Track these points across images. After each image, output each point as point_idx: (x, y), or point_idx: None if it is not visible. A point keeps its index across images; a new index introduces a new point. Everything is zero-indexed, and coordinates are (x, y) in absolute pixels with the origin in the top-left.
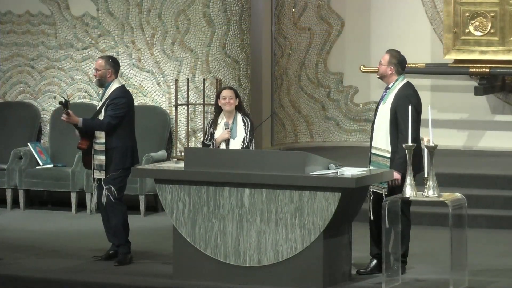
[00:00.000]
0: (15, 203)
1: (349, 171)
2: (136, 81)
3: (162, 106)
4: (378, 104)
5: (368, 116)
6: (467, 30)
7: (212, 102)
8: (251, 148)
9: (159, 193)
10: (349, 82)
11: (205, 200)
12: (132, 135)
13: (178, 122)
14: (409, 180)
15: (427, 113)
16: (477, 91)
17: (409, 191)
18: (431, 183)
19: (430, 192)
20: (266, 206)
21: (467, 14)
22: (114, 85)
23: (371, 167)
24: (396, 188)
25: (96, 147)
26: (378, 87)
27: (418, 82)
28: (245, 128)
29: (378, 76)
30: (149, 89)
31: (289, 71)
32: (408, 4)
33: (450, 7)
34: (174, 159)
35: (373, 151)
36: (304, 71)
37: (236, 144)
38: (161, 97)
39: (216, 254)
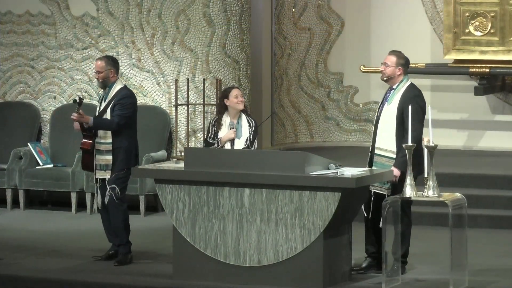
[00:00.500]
0: (15, 203)
1: (349, 171)
2: (136, 81)
3: (162, 106)
4: (381, 104)
5: (368, 116)
6: (467, 30)
7: (212, 102)
8: (253, 148)
9: (159, 193)
10: (349, 82)
11: (205, 200)
12: (135, 135)
13: (178, 122)
14: (409, 180)
15: (427, 113)
16: (477, 91)
17: (409, 191)
18: (431, 183)
19: (430, 192)
20: (266, 206)
21: (467, 14)
22: (118, 85)
23: (374, 168)
24: (398, 188)
25: (102, 147)
26: (378, 87)
27: (418, 82)
28: (249, 128)
29: (385, 78)
30: (149, 89)
31: (289, 71)
32: (408, 4)
33: (450, 7)
34: (174, 159)
35: (376, 151)
36: (304, 71)
37: (240, 143)
38: (161, 97)
39: (216, 254)
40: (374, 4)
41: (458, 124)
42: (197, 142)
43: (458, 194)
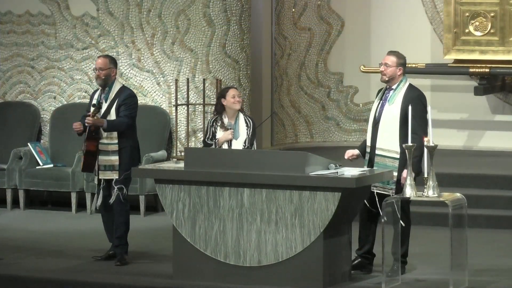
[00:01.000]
0: (15, 203)
1: (349, 171)
2: (136, 81)
3: (162, 106)
4: (380, 104)
5: (368, 116)
6: (467, 30)
7: (212, 102)
8: (253, 148)
9: (159, 193)
10: (349, 82)
11: (205, 200)
12: (136, 134)
13: (178, 122)
14: (409, 180)
15: (427, 113)
16: (477, 91)
17: (409, 191)
18: (431, 183)
19: (430, 192)
20: (266, 206)
21: (467, 14)
22: (117, 85)
23: (375, 168)
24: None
25: (108, 147)
26: (378, 87)
27: (418, 82)
28: (247, 129)
29: (386, 78)
30: (149, 89)
31: (289, 71)
32: (408, 4)
33: (450, 7)
34: (174, 159)
35: (378, 152)
36: (304, 71)
37: (238, 144)
38: (161, 97)
39: (216, 254)
40: (374, 4)
41: (458, 124)
42: (197, 142)
43: (458, 194)
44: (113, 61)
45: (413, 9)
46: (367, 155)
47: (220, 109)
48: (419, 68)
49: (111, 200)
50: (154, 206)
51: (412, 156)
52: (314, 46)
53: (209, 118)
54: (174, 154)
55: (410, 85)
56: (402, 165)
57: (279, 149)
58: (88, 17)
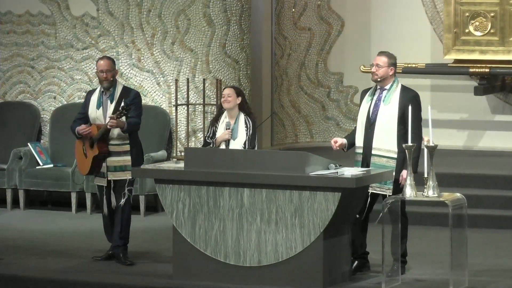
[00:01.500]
0: (15, 203)
1: (349, 171)
2: (136, 81)
3: (162, 106)
4: (374, 105)
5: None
6: (467, 30)
7: (212, 102)
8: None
9: (159, 193)
10: (349, 82)
11: (205, 200)
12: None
13: (178, 122)
14: (409, 180)
15: (427, 113)
16: (477, 91)
17: (409, 191)
18: (431, 183)
19: (430, 192)
20: (266, 206)
21: (467, 14)
22: (119, 85)
23: (373, 168)
24: (402, 189)
25: (118, 148)
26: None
27: (418, 82)
28: (246, 130)
29: (378, 79)
30: (149, 89)
31: (289, 71)
32: (408, 4)
33: (450, 7)
34: (174, 159)
35: (374, 152)
36: (304, 71)
37: (236, 145)
38: (161, 97)
39: (216, 254)
40: (374, 4)
41: (458, 124)
42: (197, 142)
43: (458, 194)
44: (114, 62)
45: (413, 9)
46: (360, 155)
47: (220, 108)
48: (419, 68)
49: (123, 201)
50: (154, 206)
51: (414, 155)
52: (314, 46)
53: (209, 118)
54: (174, 154)
55: (403, 85)
56: (400, 165)
57: (279, 149)
58: (88, 17)
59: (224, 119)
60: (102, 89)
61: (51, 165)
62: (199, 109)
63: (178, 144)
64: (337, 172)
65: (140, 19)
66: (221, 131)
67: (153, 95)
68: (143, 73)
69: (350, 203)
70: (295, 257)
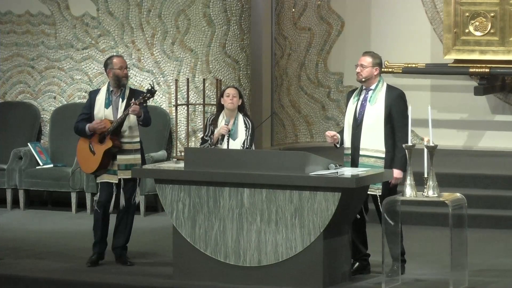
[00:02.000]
0: (15, 203)
1: (349, 171)
2: (136, 81)
3: (162, 106)
4: (361, 105)
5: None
6: (467, 30)
7: (212, 102)
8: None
9: (159, 193)
10: (349, 82)
11: (205, 200)
12: None
13: (178, 122)
14: (409, 180)
15: (427, 113)
16: (477, 91)
17: (409, 191)
18: (431, 183)
19: (430, 192)
20: (266, 206)
21: (467, 14)
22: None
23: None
24: (392, 188)
25: (129, 146)
26: None
27: (418, 82)
28: (246, 130)
29: (362, 79)
30: None
31: (289, 71)
32: (408, 4)
33: (450, 7)
34: (174, 159)
35: (362, 152)
36: (304, 71)
37: (236, 145)
38: (161, 97)
39: (216, 254)
40: (374, 4)
41: (458, 124)
42: (197, 142)
43: (458, 194)
44: None
45: (413, 9)
46: (348, 156)
47: (219, 108)
48: (419, 68)
49: (137, 200)
50: (154, 206)
51: (400, 155)
52: (314, 46)
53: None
54: (174, 154)
55: (389, 85)
56: (389, 165)
57: (279, 149)
58: (88, 17)
59: (223, 119)
60: (110, 89)
61: (51, 165)
62: (199, 109)
63: (178, 144)
64: (337, 172)
65: (140, 19)
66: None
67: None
68: (143, 73)
69: (350, 203)
70: (295, 257)
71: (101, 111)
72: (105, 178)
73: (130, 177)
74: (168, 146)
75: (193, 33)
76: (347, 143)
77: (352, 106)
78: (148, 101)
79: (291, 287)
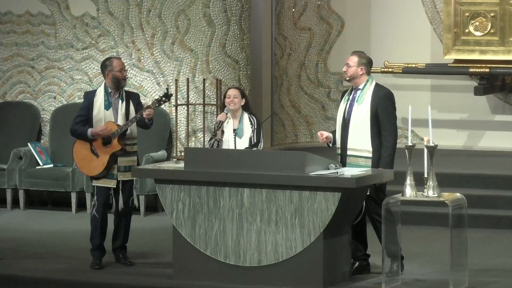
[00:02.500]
0: (15, 203)
1: (349, 171)
2: (136, 81)
3: (162, 106)
4: (349, 105)
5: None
6: (467, 30)
7: (212, 102)
8: (259, 147)
9: (159, 193)
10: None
11: (205, 200)
12: None
13: (178, 122)
14: (409, 180)
15: (427, 113)
16: (477, 91)
17: (409, 191)
18: (431, 183)
19: (430, 192)
20: (266, 206)
21: (467, 14)
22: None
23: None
24: (381, 188)
25: (129, 148)
26: None
27: (418, 82)
28: (251, 127)
29: (347, 78)
30: (149, 89)
31: (289, 71)
32: (408, 4)
33: (450, 7)
34: (174, 159)
35: (350, 152)
36: (304, 71)
37: (243, 143)
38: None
39: (216, 254)
40: (374, 4)
41: (458, 124)
42: (197, 142)
43: (458, 194)
44: None
45: (413, 9)
46: (338, 156)
47: (223, 109)
48: (419, 68)
49: (136, 202)
50: (154, 206)
51: (386, 154)
52: (314, 46)
53: (209, 118)
54: (174, 154)
55: (378, 84)
56: (376, 164)
57: (279, 149)
58: (88, 17)
59: (229, 120)
60: (109, 90)
61: (51, 165)
62: (199, 109)
63: (178, 144)
64: (337, 172)
65: (140, 19)
66: (227, 130)
67: (153, 95)
68: (143, 73)
69: (350, 203)
70: (295, 257)
71: (100, 112)
72: (102, 182)
73: (129, 178)
74: (168, 146)
75: (193, 33)
76: (338, 143)
77: (342, 106)
78: (162, 103)
79: (291, 287)
